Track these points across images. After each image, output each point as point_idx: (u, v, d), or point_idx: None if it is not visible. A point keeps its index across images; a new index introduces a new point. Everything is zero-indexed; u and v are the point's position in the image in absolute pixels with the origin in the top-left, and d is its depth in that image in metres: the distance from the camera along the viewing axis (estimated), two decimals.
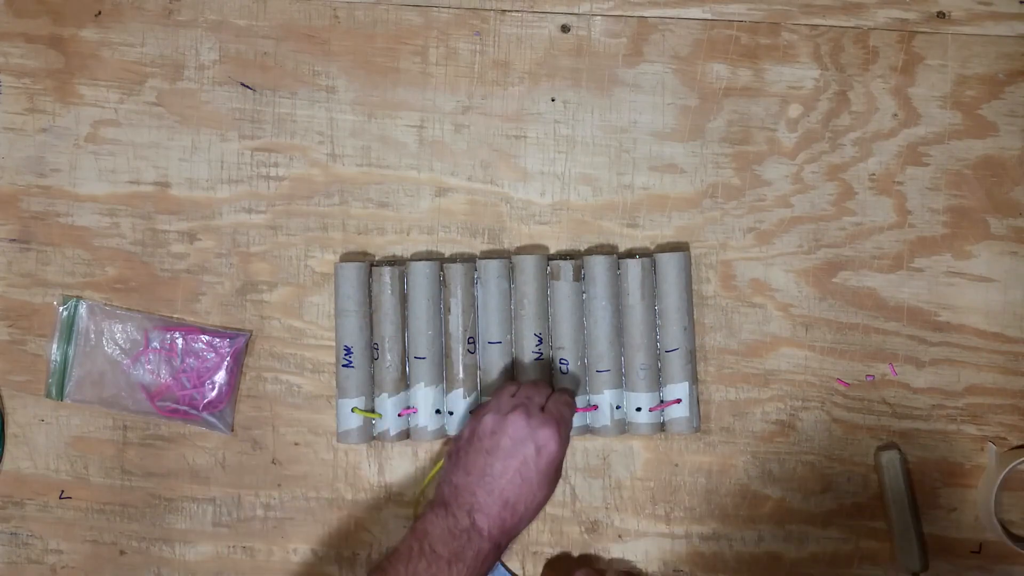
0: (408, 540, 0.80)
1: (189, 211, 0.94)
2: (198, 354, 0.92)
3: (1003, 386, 0.94)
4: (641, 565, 0.93)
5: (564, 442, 0.83)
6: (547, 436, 0.82)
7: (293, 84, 0.95)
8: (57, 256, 0.94)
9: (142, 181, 0.94)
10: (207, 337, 0.92)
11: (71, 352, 0.92)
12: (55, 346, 0.92)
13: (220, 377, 0.92)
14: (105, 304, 0.92)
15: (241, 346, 0.92)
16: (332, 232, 0.94)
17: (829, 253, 0.94)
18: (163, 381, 0.92)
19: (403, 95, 0.95)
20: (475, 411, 0.88)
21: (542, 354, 0.91)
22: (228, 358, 0.92)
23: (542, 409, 0.84)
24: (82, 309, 0.92)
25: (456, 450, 0.84)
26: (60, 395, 0.92)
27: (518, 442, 0.81)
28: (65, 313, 0.92)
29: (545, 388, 0.87)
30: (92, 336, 0.92)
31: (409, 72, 0.95)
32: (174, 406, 0.92)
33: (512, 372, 0.91)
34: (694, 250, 0.94)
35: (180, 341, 0.92)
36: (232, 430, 0.92)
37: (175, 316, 0.93)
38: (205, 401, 0.91)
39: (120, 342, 0.92)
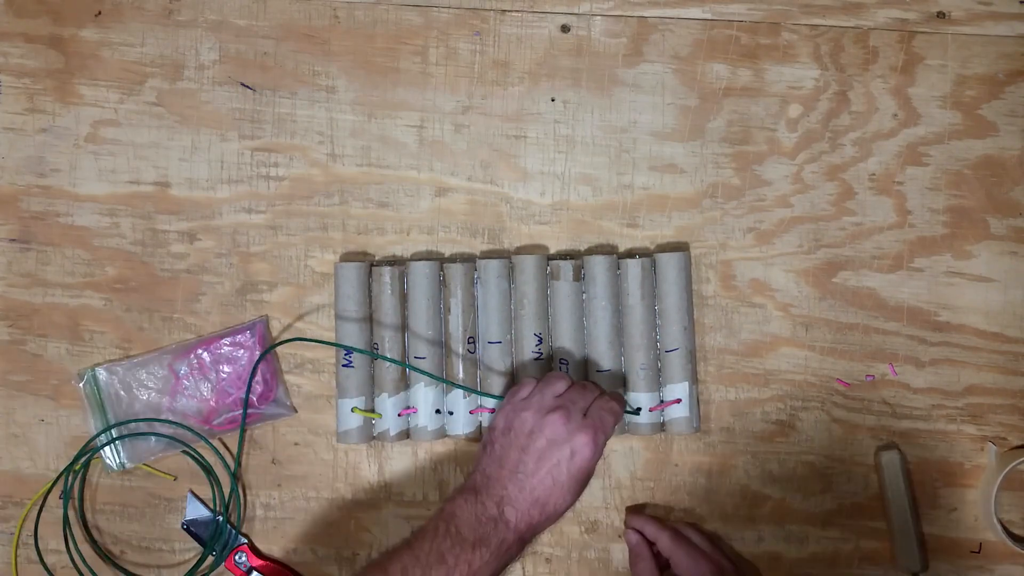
0: (435, 520, 0.81)
1: (189, 211, 0.94)
2: (228, 358, 0.92)
3: (1003, 386, 0.94)
4: None
5: (599, 449, 0.83)
6: (583, 442, 0.81)
7: (293, 84, 0.95)
8: (57, 256, 0.94)
9: (142, 181, 0.94)
10: (228, 339, 0.92)
11: (111, 419, 0.91)
12: (93, 423, 0.91)
13: (260, 367, 0.91)
14: (118, 361, 0.92)
15: (263, 331, 0.92)
16: (332, 232, 0.94)
17: (829, 253, 0.94)
18: (209, 400, 0.92)
19: (403, 95, 0.95)
20: (514, 394, 0.86)
21: (542, 354, 0.91)
22: (257, 347, 0.91)
23: (584, 413, 0.83)
24: (101, 376, 0.91)
25: (491, 440, 0.84)
26: (123, 466, 0.91)
27: (554, 444, 0.81)
28: (87, 387, 0.91)
29: (592, 391, 0.85)
30: (123, 394, 0.91)
31: (409, 72, 0.95)
32: (231, 415, 0.91)
33: (512, 372, 0.91)
34: (694, 250, 0.94)
35: (206, 356, 0.92)
36: (295, 410, 0.92)
37: (190, 336, 0.93)
38: (258, 395, 0.91)
39: (151, 385, 0.91)
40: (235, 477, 0.92)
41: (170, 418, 0.91)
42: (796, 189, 0.95)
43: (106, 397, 0.91)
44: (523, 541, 0.82)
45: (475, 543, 0.79)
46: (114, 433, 0.91)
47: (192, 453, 0.91)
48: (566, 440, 0.81)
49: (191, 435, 0.91)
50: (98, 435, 0.90)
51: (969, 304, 0.94)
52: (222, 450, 0.92)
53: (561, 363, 0.90)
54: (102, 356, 0.93)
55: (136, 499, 0.92)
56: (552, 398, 0.84)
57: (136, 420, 0.91)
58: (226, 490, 0.92)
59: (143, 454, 0.91)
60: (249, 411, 0.91)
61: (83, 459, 0.91)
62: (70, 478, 0.91)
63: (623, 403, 0.88)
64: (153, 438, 0.91)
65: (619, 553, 0.93)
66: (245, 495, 0.92)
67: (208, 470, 0.91)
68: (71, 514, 0.92)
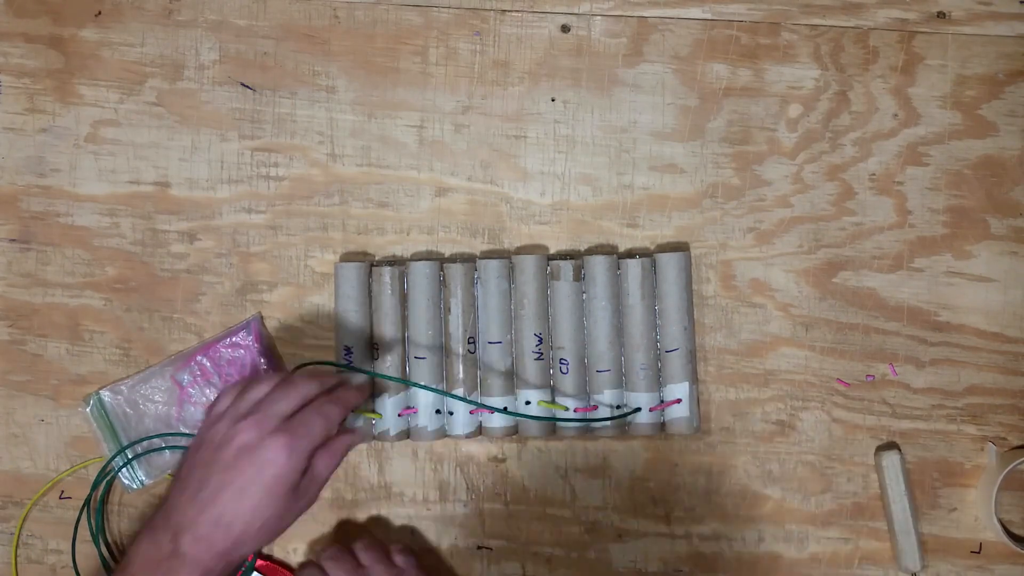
0: (116, 572, 0.71)
1: (189, 211, 0.94)
2: (229, 360, 0.92)
3: (1003, 386, 0.94)
4: (640, 565, 0.93)
5: (299, 458, 0.72)
6: (275, 449, 0.71)
7: (293, 84, 0.95)
8: (57, 256, 0.94)
9: (142, 181, 0.94)
10: (225, 341, 0.92)
11: (123, 439, 0.91)
12: (106, 446, 0.91)
13: (261, 364, 0.91)
14: (121, 381, 0.92)
15: (259, 327, 0.92)
16: (332, 232, 0.94)
17: (829, 253, 0.94)
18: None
19: (403, 95, 0.95)
20: (212, 405, 0.78)
21: (542, 354, 0.91)
22: (255, 344, 0.92)
23: (287, 417, 0.74)
24: (106, 398, 0.91)
25: (182, 462, 0.75)
26: (142, 484, 0.91)
27: (243, 454, 0.71)
28: (95, 411, 0.91)
29: (302, 390, 0.76)
30: (130, 412, 0.91)
31: (409, 72, 0.95)
32: None
33: (512, 372, 0.91)
34: (694, 250, 0.94)
35: (206, 362, 0.92)
36: None
37: (190, 336, 0.93)
38: None
39: (157, 399, 0.91)
40: None
41: (181, 428, 0.91)
42: (796, 189, 0.95)
43: (115, 419, 0.91)
44: (211, 573, 0.70)
45: None
46: (129, 454, 0.91)
47: None
48: (257, 448, 0.71)
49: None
50: (113, 458, 0.91)
51: (969, 304, 0.94)
52: None
53: (561, 363, 0.90)
54: (102, 356, 0.93)
55: (135, 499, 0.92)
56: (250, 404, 0.74)
57: (148, 438, 0.91)
58: None
59: (160, 468, 0.91)
60: None
61: (102, 483, 0.91)
62: (90, 503, 0.91)
63: (359, 399, 0.79)
64: (168, 452, 0.91)
65: (619, 553, 0.93)
66: None
67: None
68: (75, 515, 0.92)
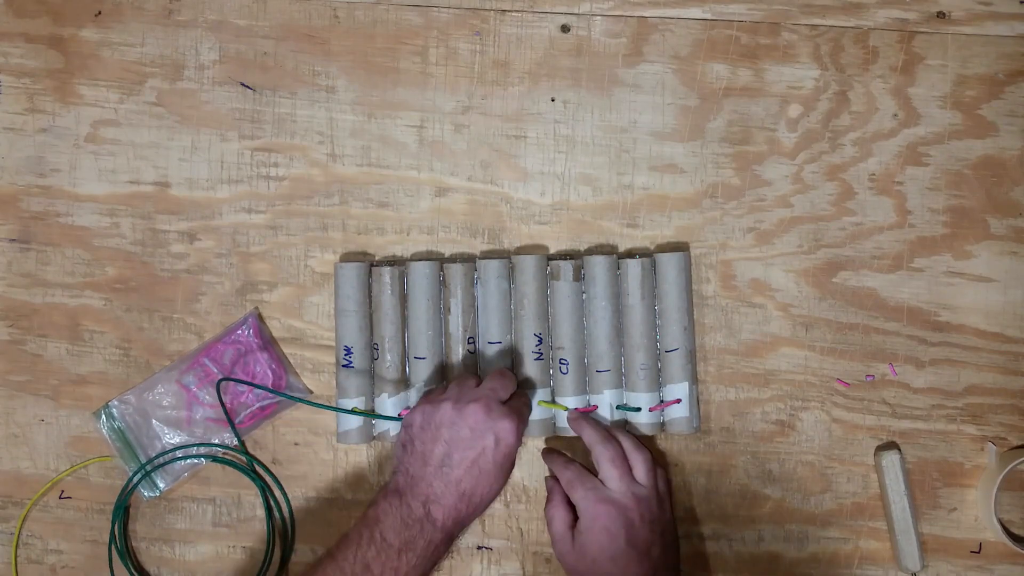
0: (359, 527, 0.81)
1: (189, 211, 0.94)
2: (232, 359, 0.92)
3: (1003, 386, 0.94)
4: None
5: (520, 436, 0.84)
6: (506, 429, 0.82)
7: (293, 84, 0.95)
8: (57, 256, 0.94)
9: (142, 181, 0.94)
10: (226, 340, 0.92)
11: (136, 448, 0.91)
12: (123, 461, 0.91)
13: (264, 359, 0.91)
14: (128, 391, 0.92)
15: (257, 324, 0.92)
16: (332, 232, 0.94)
17: (829, 253, 0.94)
18: (226, 403, 0.91)
19: (403, 95, 0.95)
20: (427, 397, 0.86)
21: (542, 354, 0.91)
22: (255, 340, 0.91)
23: (503, 403, 0.84)
24: (115, 410, 0.91)
25: (411, 438, 0.84)
26: (160, 491, 0.91)
27: (477, 434, 0.82)
28: (106, 424, 0.91)
29: (510, 382, 0.86)
30: (140, 420, 0.91)
31: (409, 72, 0.95)
32: (252, 411, 0.91)
33: (512, 372, 0.91)
34: (694, 250, 0.94)
35: (209, 363, 0.92)
36: (311, 390, 0.93)
37: (190, 336, 0.93)
38: (270, 384, 0.91)
39: (166, 403, 0.92)
40: (275, 532, 0.92)
41: (193, 430, 0.91)
42: (796, 189, 0.95)
43: (127, 429, 0.91)
44: (451, 538, 0.82)
45: (401, 548, 0.79)
46: (147, 469, 0.91)
47: (229, 463, 0.92)
48: (489, 428, 0.82)
49: (219, 447, 0.92)
50: (135, 475, 0.91)
51: (969, 304, 0.94)
52: (252, 451, 0.92)
53: (561, 363, 0.90)
54: (102, 356, 0.93)
55: (136, 499, 0.92)
56: (469, 390, 0.84)
57: (164, 452, 0.91)
58: (274, 491, 0.92)
59: (177, 473, 0.92)
60: (267, 403, 0.92)
61: (124, 498, 0.91)
62: (116, 524, 0.91)
63: (530, 402, 0.89)
64: (183, 461, 0.92)
65: None
66: (293, 535, 0.92)
67: (253, 477, 0.92)
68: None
